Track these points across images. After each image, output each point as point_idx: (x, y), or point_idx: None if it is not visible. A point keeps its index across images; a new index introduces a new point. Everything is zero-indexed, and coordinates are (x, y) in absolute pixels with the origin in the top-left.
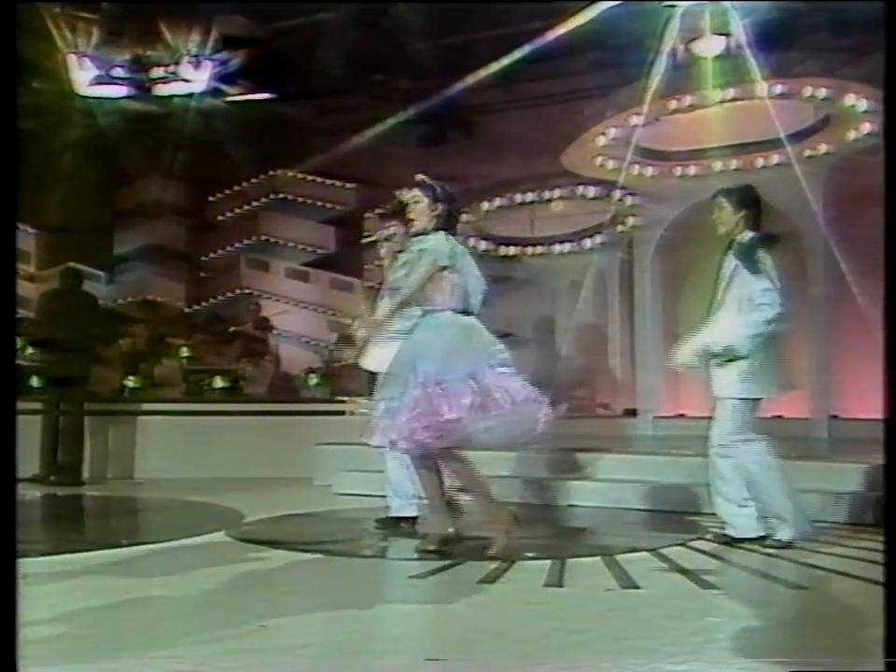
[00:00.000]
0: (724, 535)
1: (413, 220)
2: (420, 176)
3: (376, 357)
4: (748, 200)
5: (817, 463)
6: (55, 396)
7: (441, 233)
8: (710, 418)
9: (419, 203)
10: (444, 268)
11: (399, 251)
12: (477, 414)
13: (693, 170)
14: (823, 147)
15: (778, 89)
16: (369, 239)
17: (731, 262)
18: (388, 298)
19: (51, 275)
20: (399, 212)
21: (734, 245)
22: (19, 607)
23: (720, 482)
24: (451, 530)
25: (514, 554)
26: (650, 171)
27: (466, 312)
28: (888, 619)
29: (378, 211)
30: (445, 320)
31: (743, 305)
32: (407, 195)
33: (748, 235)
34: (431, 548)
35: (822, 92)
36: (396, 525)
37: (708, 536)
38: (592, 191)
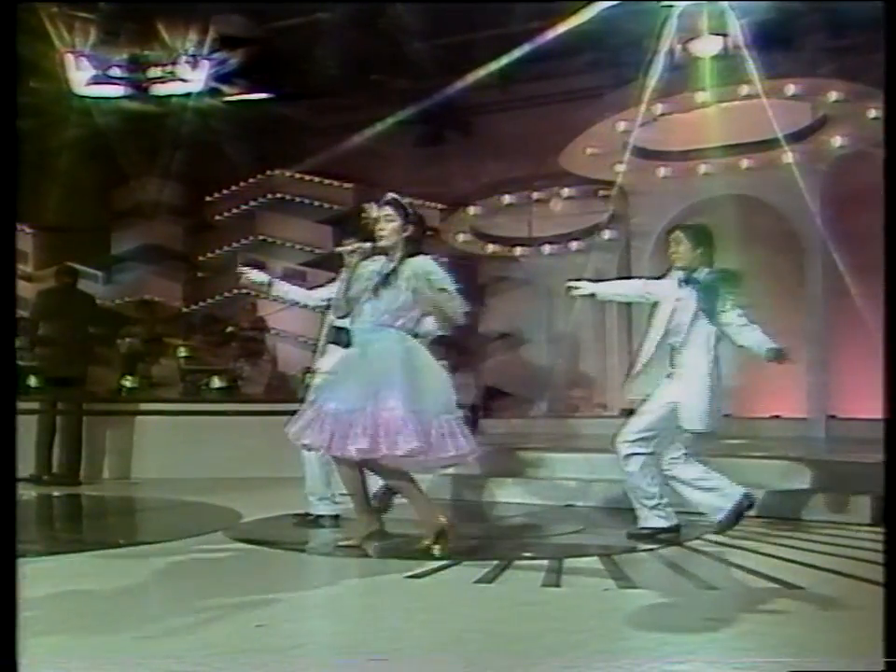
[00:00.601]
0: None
1: (382, 237)
2: (392, 195)
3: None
4: (704, 237)
5: (814, 461)
6: (52, 395)
7: (418, 256)
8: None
9: (392, 222)
10: (438, 290)
11: (362, 261)
12: (424, 447)
13: (690, 170)
14: (821, 148)
15: (776, 88)
16: (345, 249)
17: (692, 301)
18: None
19: (49, 275)
20: (362, 224)
21: (692, 282)
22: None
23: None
24: (374, 527)
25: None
26: (647, 171)
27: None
28: (887, 619)
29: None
30: (403, 345)
31: (710, 343)
32: (379, 211)
33: (704, 272)
34: (353, 543)
35: (821, 93)
36: (315, 523)
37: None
38: (589, 191)
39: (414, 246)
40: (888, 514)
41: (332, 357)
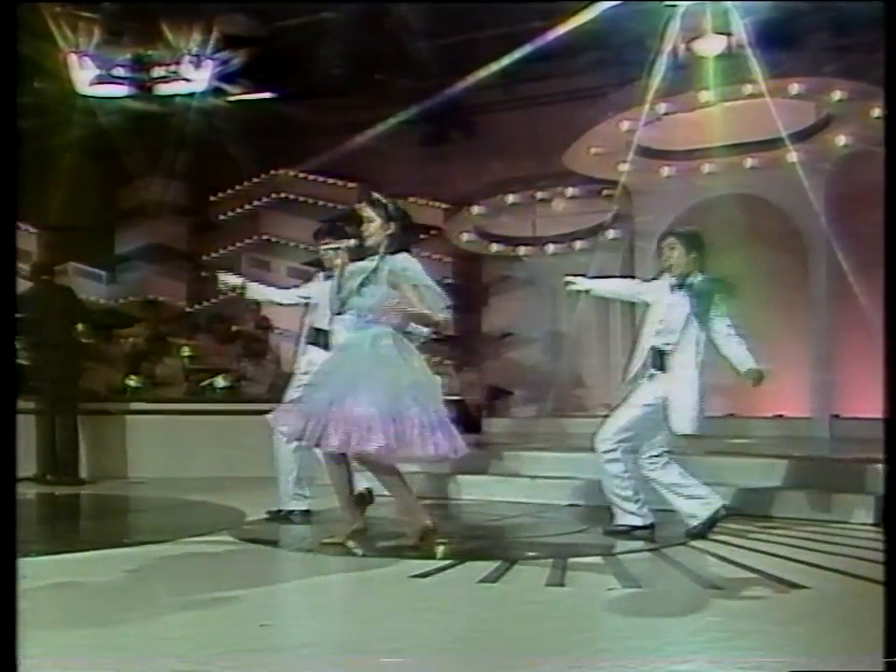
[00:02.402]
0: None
1: (367, 237)
2: (374, 195)
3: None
4: (698, 243)
5: (817, 461)
6: (48, 396)
7: (401, 254)
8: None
9: (372, 223)
10: (396, 285)
11: (350, 262)
12: (395, 445)
13: (694, 169)
14: (825, 147)
15: (780, 88)
16: (329, 247)
17: (684, 305)
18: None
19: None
20: (356, 221)
21: (685, 287)
22: (18, 607)
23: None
24: (357, 525)
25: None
26: (651, 170)
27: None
28: (887, 619)
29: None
30: (387, 342)
31: (699, 347)
32: (362, 211)
33: (698, 277)
34: (336, 541)
35: (825, 92)
36: (287, 519)
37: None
38: (593, 191)
39: (398, 243)
40: (888, 514)
41: (314, 357)
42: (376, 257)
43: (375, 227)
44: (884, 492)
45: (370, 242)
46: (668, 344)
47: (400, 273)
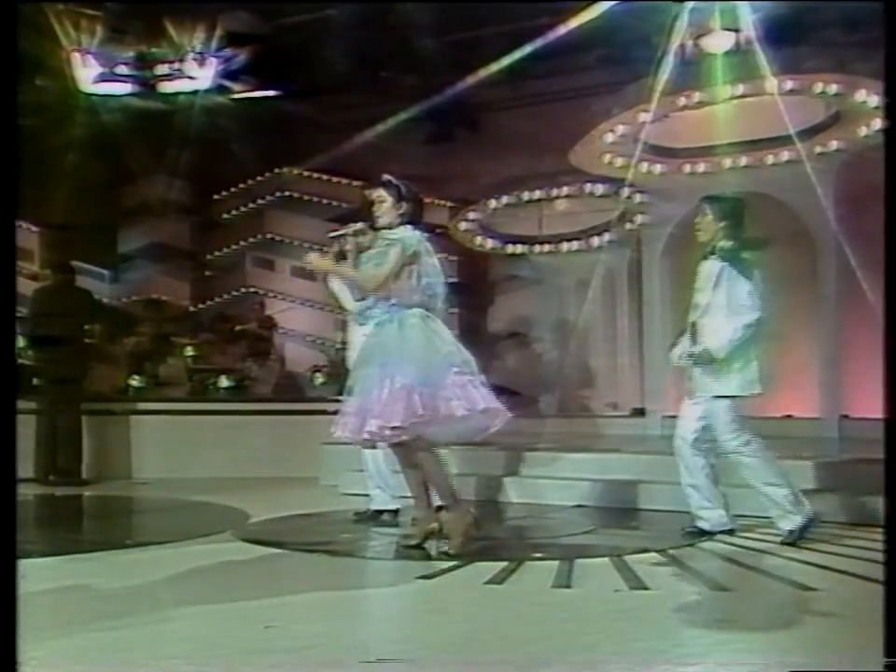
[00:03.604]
0: (695, 528)
1: (378, 218)
2: (386, 176)
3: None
4: (731, 212)
5: (826, 462)
6: (52, 395)
7: (409, 226)
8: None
9: (384, 203)
10: (413, 259)
11: (367, 248)
12: (432, 418)
13: (702, 167)
14: (834, 144)
15: (789, 85)
16: (335, 234)
17: (715, 266)
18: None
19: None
20: (367, 209)
21: (716, 251)
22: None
23: (692, 476)
24: (434, 525)
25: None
26: (658, 168)
27: (428, 309)
28: (887, 619)
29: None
30: (413, 320)
31: (732, 307)
32: (373, 194)
33: (727, 244)
34: (414, 542)
35: (833, 88)
36: (376, 518)
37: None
38: (600, 189)
39: (411, 219)
40: (888, 515)
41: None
42: (394, 232)
43: (387, 206)
44: (884, 492)
45: (382, 221)
46: (699, 315)
47: (407, 246)
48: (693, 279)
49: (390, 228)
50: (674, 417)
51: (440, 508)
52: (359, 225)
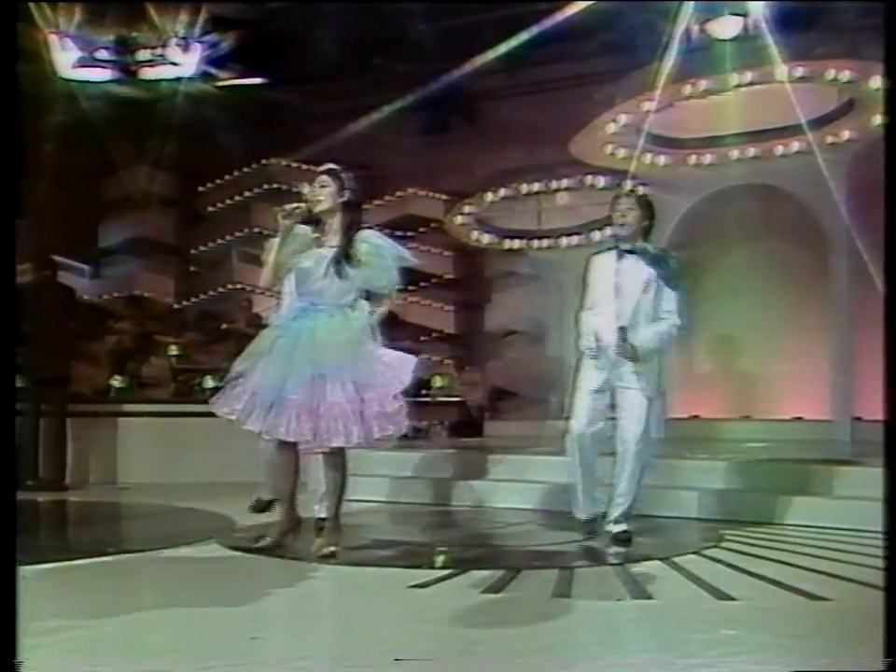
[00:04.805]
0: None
1: (317, 202)
2: (328, 165)
3: None
4: (652, 212)
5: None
6: (35, 396)
7: (372, 230)
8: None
9: (326, 188)
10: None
11: (298, 223)
12: (345, 419)
13: (708, 158)
14: (846, 134)
15: (799, 72)
16: (277, 210)
17: (643, 270)
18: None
19: (29, 269)
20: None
21: (639, 251)
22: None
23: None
24: (289, 525)
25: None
26: (663, 159)
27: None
28: (887, 619)
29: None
30: (340, 317)
31: (657, 313)
32: (315, 179)
33: (646, 245)
34: (268, 543)
35: (846, 75)
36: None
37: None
38: (601, 181)
39: (352, 215)
40: (888, 515)
41: None
42: (333, 229)
43: (328, 192)
44: (884, 493)
45: (320, 208)
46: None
47: (376, 250)
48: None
49: (327, 215)
50: (676, 420)
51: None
52: (304, 207)
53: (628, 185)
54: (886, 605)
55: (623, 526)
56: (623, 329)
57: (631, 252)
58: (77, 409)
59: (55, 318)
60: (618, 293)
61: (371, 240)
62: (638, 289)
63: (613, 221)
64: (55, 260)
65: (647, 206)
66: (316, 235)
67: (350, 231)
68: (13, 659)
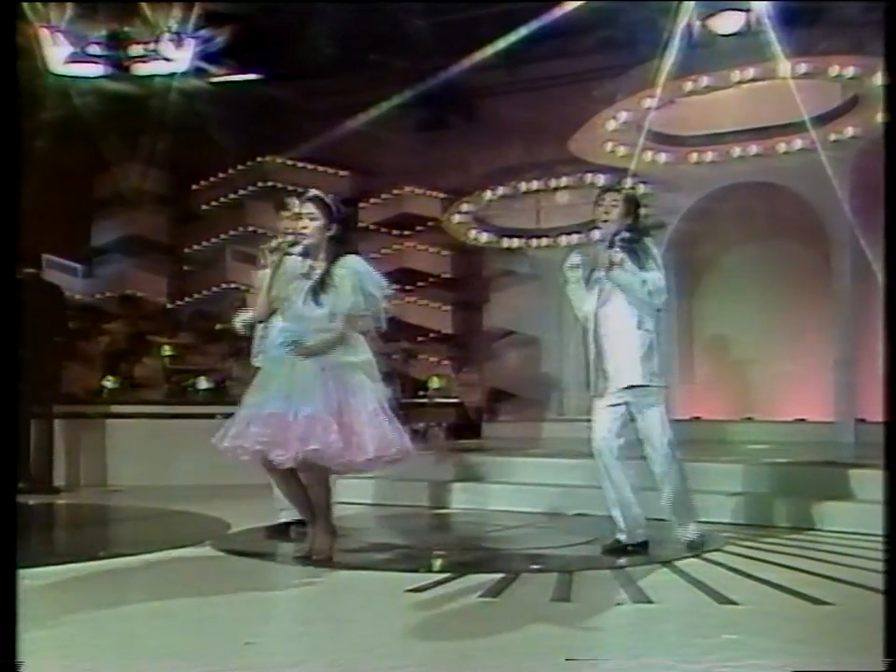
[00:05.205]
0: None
1: (304, 234)
2: (315, 192)
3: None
4: (636, 207)
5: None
6: (24, 398)
7: (357, 256)
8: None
9: (315, 221)
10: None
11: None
12: (343, 450)
13: (709, 156)
14: (851, 131)
15: (802, 68)
16: (264, 247)
17: (616, 255)
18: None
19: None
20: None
21: (615, 242)
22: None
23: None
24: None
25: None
26: (663, 157)
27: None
28: (887, 619)
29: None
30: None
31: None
32: (301, 208)
33: (626, 234)
34: (306, 554)
35: (850, 71)
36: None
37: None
38: (601, 179)
39: (339, 247)
40: (888, 516)
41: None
42: (318, 258)
43: (317, 227)
44: (884, 494)
45: (307, 241)
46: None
47: (356, 276)
48: (695, 278)
49: (315, 248)
50: (680, 421)
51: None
52: (290, 239)
53: (628, 182)
54: (886, 605)
55: (690, 533)
56: (597, 315)
57: (610, 246)
58: (70, 410)
59: (42, 317)
60: (595, 285)
61: (348, 265)
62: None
63: (597, 218)
64: (42, 258)
65: (632, 202)
66: (306, 267)
67: (335, 260)
68: (13, 659)
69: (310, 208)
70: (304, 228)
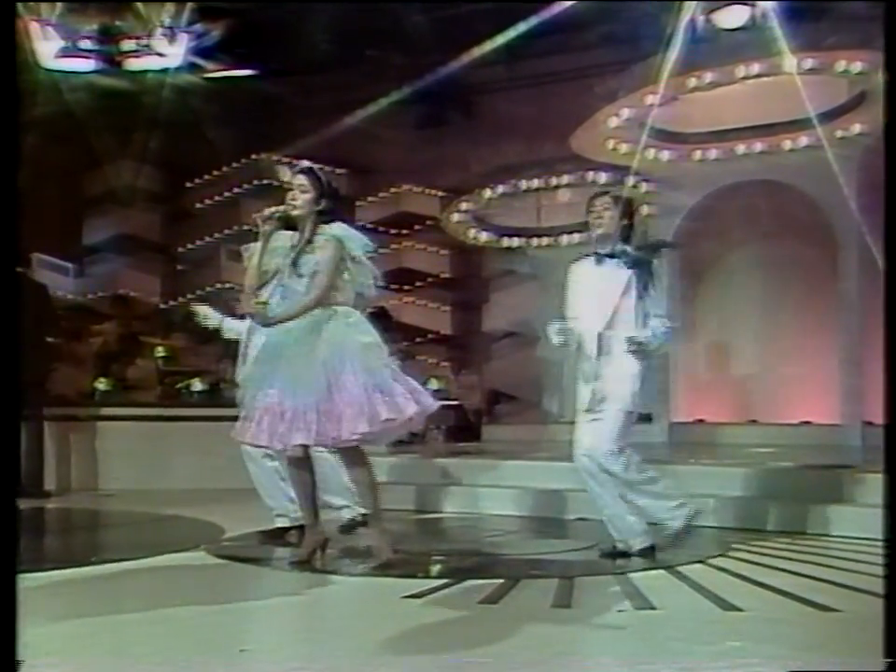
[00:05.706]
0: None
1: (294, 206)
2: (307, 164)
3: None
4: (631, 211)
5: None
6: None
7: (342, 223)
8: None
9: (306, 193)
10: (351, 259)
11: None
12: (359, 420)
13: (713, 154)
14: (857, 128)
15: (808, 63)
16: (256, 215)
17: (623, 274)
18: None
19: None
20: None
21: (618, 254)
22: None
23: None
24: (320, 538)
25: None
26: (666, 155)
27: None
28: (887, 619)
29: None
30: (349, 321)
31: (637, 319)
32: (293, 179)
33: (625, 247)
34: (301, 558)
35: (857, 67)
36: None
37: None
38: (603, 177)
39: (325, 219)
40: (888, 516)
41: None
42: (306, 230)
43: (306, 199)
44: (884, 495)
45: (296, 213)
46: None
47: (344, 241)
48: (698, 278)
49: (303, 221)
50: (680, 424)
51: (363, 517)
52: (282, 209)
53: (630, 180)
54: (886, 606)
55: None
56: (601, 336)
57: (611, 256)
58: (61, 413)
59: (28, 317)
60: (598, 300)
61: (327, 231)
62: (617, 294)
63: (589, 223)
64: (32, 257)
65: (625, 205)
66: (294, 239)
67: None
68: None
69: (301, 180)
70: (293, 200)
